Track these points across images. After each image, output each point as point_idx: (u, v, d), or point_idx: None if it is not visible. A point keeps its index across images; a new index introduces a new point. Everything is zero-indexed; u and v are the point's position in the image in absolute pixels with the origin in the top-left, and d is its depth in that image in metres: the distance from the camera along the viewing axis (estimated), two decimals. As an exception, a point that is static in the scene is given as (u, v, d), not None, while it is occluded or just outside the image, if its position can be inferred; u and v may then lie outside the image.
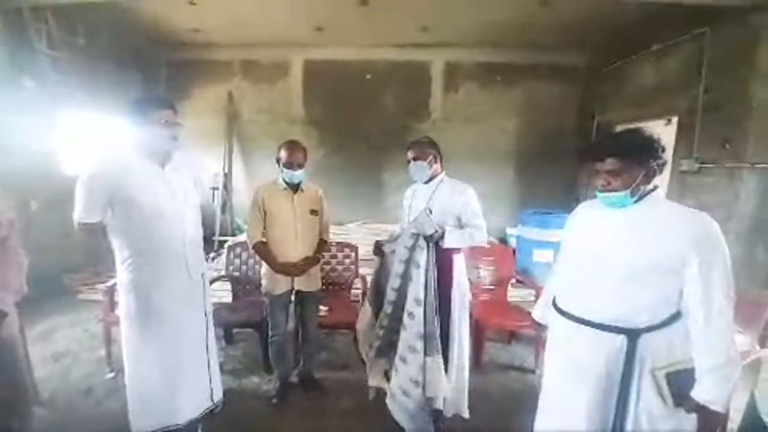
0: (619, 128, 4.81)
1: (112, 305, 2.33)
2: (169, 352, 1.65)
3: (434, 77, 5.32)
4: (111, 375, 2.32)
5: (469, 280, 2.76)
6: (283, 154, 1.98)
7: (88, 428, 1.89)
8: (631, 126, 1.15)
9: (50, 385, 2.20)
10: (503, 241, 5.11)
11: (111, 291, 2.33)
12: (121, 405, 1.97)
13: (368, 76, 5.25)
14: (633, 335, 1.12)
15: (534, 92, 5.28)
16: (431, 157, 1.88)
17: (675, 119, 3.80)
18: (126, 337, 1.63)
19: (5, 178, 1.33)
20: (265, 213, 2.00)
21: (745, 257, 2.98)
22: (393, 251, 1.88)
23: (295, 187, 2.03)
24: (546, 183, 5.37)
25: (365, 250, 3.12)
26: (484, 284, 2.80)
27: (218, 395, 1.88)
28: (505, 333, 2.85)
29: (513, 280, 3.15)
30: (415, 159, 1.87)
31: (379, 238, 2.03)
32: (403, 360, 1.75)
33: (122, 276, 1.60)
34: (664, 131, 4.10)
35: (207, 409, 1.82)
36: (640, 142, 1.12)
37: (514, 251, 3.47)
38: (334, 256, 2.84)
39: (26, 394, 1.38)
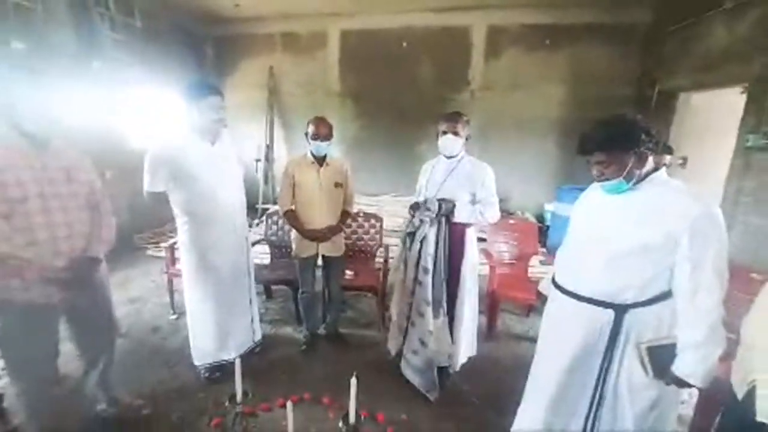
0: (683, 96, 4.36)
1: (173, 260, 2.74)
2: (221, 299, 2.01)
3: (475, 43, 5.02)
4: (174, 316, 2.79)
5: (490, 253, 2.83)
6: (310, 128, 2.14)
7: (155, 357, 2.34)
8: (618, 113, 1.11)
9: (126, 322, 2.69)
10: (540, 218, 4.96)
11: (172, 249, 2.73)
12: (181, 340, 2.42)
13: (404, 44, 5.12)
14: (620, 310, 1.18)
15: (586, 56, 4.81)
16: (466, 133, 1.90)
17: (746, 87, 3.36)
18: (187, 287, 2.01)
19: (84, 152, 1.61)
20: (294, 184, 2.20)
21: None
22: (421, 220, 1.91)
23: (321, 160, 2.20)
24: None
25: (393, 222, 3.28)
26: (504, 259, 2.84)
27: (258, 336, 2.27)
28: (524, 306, 2.91)
29: (542, 257, 3.14)
30: (453, 133, 1.86)
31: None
32: (413, 324, 1.95)
33: (182, 237, 1.94)
34: (738, 100, 3.61)
35: (249, 347, 2.19)
36: (621, 133, 1.11)
37: (540, 228, 3.42)
38: (361, 226, 3.01)
39: (114, 323, 1.78)
